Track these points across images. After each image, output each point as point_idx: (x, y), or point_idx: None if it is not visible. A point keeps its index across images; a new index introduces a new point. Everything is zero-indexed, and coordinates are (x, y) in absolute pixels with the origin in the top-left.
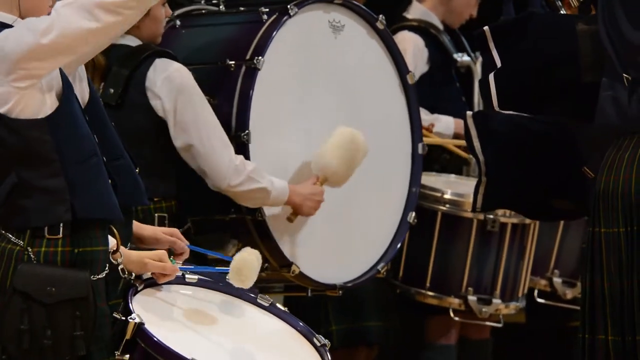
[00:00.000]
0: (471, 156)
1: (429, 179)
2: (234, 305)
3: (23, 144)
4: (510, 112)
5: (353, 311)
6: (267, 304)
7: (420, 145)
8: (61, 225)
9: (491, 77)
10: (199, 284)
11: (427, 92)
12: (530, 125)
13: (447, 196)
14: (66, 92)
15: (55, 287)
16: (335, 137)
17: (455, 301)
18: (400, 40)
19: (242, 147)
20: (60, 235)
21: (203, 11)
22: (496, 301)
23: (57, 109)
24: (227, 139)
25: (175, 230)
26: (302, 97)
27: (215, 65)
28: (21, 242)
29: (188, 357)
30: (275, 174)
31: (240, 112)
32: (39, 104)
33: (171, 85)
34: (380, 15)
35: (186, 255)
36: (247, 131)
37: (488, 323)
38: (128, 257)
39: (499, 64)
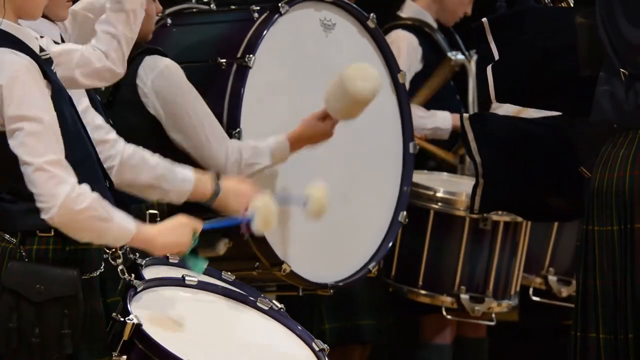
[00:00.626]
0: (460, 161)
1: (422, 177)
2: (233, 307)
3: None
4: (507, 115)
5: (346, 310)
6: (266, 308)
7: (411, 145)
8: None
9: (489, 69)
10: (198, 286)
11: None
12: (526, 127)
13: (439, 194)
14: (55, 97)
15: (45, 285)
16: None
17: (447, 300)
18: (394, 39)
19: None
20: (52, 233)
21: (194, 10)
22: (489, 299)
23: None
24: (223, 130)
25: None
26: (293, 95)
27: (207, 63)
28: (14, 240)
29: (184, 358)
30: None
31: (231, 110)
32: None
33: (162, 81)
34: (371, 14)
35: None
36: (238, 129)
37: (481, 322)
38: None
39: (496, 56)
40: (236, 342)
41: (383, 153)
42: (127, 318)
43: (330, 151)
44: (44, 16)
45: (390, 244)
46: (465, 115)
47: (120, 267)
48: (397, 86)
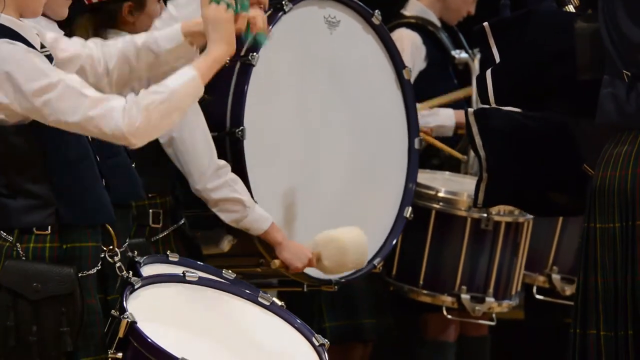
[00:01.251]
0: (465, 156)
1: (424, 177)
2: (234, 304)
3: (8, 149)
4: (511, 109)
5: (347, 308)
6: (268, 303)
7: (416, 140)
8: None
9: (488, 73)
10: (199, 282)
11: (425, 89)
12: (531, 123)
13: (441, 194)
14: None
15: (41, 283)
16: (351, 236)
17: (448, 299)
18: (398, 38)
19: (236, 144)
20: (49, 231)
21: None
22: (489, 299)
23: None
24: (212, 140)
25: None
26: (297, 93)
27: None
28: (10, 238)
29: (178, 356)
30: (269, 170)
31: (234, 109)
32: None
33: None
34: (376, 11)
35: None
36: (241, 127)
37: (481, 321)
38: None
39: (497, 60)
40: (236, 338)
41: (388, 149)
42: (122, 315)
43: (336, 148)
44: (43, 14)
45: (395, 240)
46: (470, 110)
47: (118, 265)
48: (402, 82)
